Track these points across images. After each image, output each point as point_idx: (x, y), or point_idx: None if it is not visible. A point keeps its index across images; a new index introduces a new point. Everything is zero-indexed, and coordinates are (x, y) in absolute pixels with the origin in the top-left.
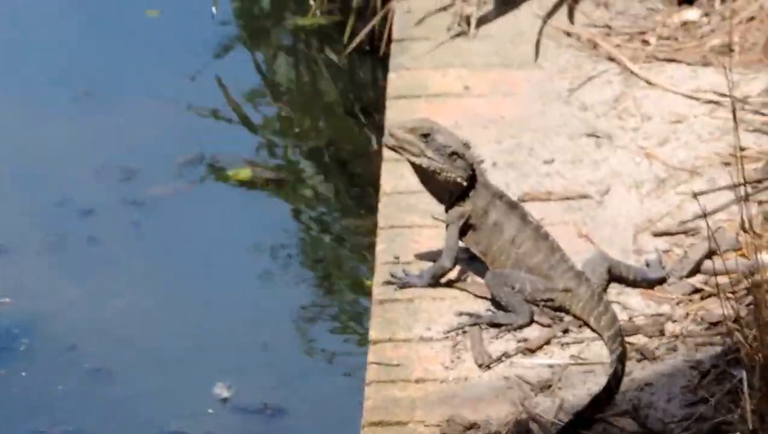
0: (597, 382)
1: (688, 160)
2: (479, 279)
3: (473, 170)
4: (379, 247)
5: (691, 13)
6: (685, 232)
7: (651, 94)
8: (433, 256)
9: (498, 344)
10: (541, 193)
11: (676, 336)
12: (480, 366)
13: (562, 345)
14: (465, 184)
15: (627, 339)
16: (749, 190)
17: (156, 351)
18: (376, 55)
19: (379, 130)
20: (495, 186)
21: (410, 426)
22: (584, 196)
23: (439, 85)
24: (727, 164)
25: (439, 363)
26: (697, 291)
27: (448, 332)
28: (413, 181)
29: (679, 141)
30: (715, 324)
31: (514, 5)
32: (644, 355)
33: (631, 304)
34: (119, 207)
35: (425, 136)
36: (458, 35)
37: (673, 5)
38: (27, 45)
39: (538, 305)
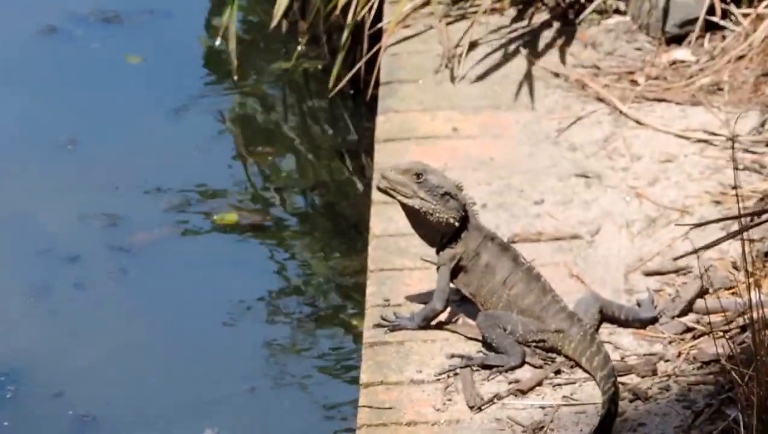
0: (589, 423)
1: (678, 199)
2: (470, 321)
3: (465, 211)
4: (369, 290)
5: (680, 53)
6: (676, 271)
7: (641, 134)
8: (423, 299)
9: (489, 386)
10: (532, 234)
11: (669, 376)
12: (471, 408)
13: (554, 386)
14: (457, 225)
15: (619, 379)
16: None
17: (143, 398)
18: (361, 98)
19: (364, 172)
20: (487, 227)
21: None
22: (575, 237)
23: (428, 128)
24: (718, 203)
25: (431, 406)
26: (689, 330)
27: (440, 374)
28: (403, 223)
29: (669, 180)
30: (707, 363)
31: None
32: (637, 395)
33: (623, 344)
34: (105, 253)
35: (418, 176)
36: (446, 77)
37: (661, 45)
38: (8, 93)
39: (529, 346)
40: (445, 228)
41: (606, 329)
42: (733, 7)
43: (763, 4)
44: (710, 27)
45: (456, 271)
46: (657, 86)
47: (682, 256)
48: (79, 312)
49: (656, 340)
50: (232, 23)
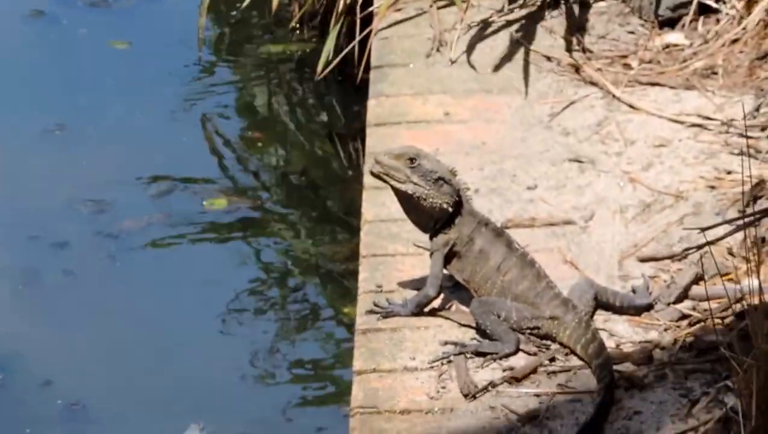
0: (585, 411)
1: (673, 184)
2: (464, 308)
3: (459, 197)
4: (362, 276)
5: (673, 36)
6: (671, 257)
7: (634, 118)
8: (416, 285)
9: (484, 373)
10: (525, 219)
11: (665, 364)
12: (466, 396)
13: (549, 373)
14: (451, 210)
15: (615, 367)
16: (735, 215)
17: (131, 386)
18: (349, 83)
19: (354, 156)
20: (480, 213)
21: None
22: (568, 222)
23: (420, 112)
24: (713, 188)
25: (425, 394)
26: (685, 317)
27: (433, 362)
28: (395, 208)
29: (663, 165)
30: (704, 350)
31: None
32: (633, 383)
33: (619, 331)
34: (93, 240)
35: (411, 161)
36: (437, 61)
37: (654, 28)
38: None
39: (524, 333)
40: (438, 213)
41: (601, 316)
42: None
43: None
44: (704, 10)
45: (449, 257)
46: (650, 70)
47: (689, 250)
48: (68, 299)
49: (652, 327)
50: None
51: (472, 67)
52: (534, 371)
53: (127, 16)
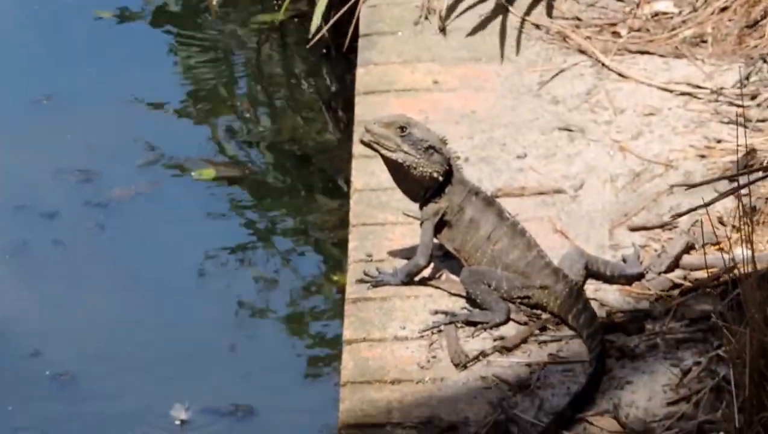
0: (576, 381)
1: (662, 153)
2: (454, 277)
3: (449, 165)
4: (351, 245)
5: (662, 4)
6: (661, 226)
7: (624, 87)
8: (406, 254)
9: (474, 343)
10: (515, 188)
11: (656, 333)
12: (457, 365)
13: (540, 343)
14: (441, 179)
15: (606, 336)
16: (726, 183)
17: (120, 356)
18: (338, 51)
19: (342, 125)
20: (471, 182)
21: (387, 429)
22: (558, 191)
23: (408, 80)
24: (703, 157)
25: (415, 363)
26: (676, 286)
27: (424, 331)
28: (384, 177)
29: (653, 134)
30: (695, 320)
31: None
32: (624, 353)
33: (609, 301)
34: (82, 209)
35: (402, 129)
36: (426, 29)
37: None
38: None
39: (514, 303)
40: (428, 182)
41: (591, 285)
42: None
43: None
44: None
45: (439, 226)
46: (639, 38)
47: (680, 214)
48: (57, 269)
49: (643, 297)
50: None
51: (461, 34)
52: (525, 340)
53: None
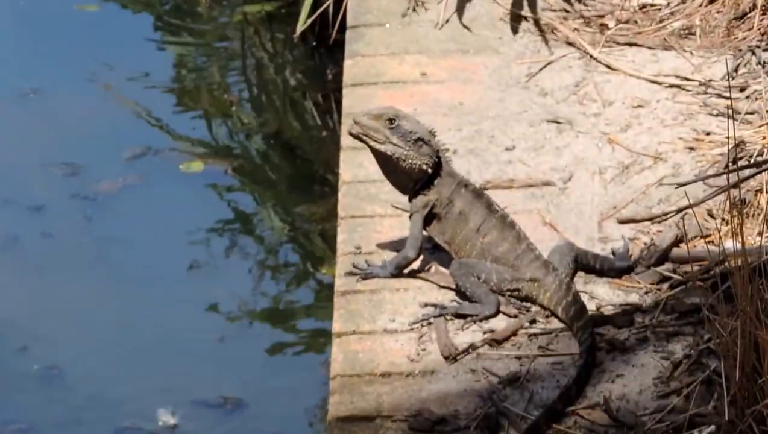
0: (566, 374)
1: (651, 146)
2: (443, 270)
3: (438, 158)
4: (340, 237)
5: None
6: (650, 219)
7: (612, 79)
8: (395, 246)
9: (464, 335)
10: (504, 180)
11: (646, 326)
12: (446, 358)
13: (529, 336)
14: (430, 171)
15: (596, 329)
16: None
17: (109, 350)
18: (324, 43)
19: (329, 117)
20: (460, 174)
21: (377, 422)
22: (547, 184)
23: (396, 72)
24: (692, 149)
25: (405, 356)
26: (665, 279)
27: (413, 324)
28: (373, 169)
29: (641, 126)
30: (685, 313)
31: None
32: (614, 346)
33: (599, 294)
34: (70, 202)
35: (391, 121)
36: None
37: None
38: None
39: (504, 295)
40: (417, 174)
41: (581, 278)
42: None
43: None
44: None
45: (429, 219)
46: (627, 30)
47: (672, 213)
48: (45, 262)
49: (632, 290)
50: None
51: (448, 26)
52: (515, 333)
53: None
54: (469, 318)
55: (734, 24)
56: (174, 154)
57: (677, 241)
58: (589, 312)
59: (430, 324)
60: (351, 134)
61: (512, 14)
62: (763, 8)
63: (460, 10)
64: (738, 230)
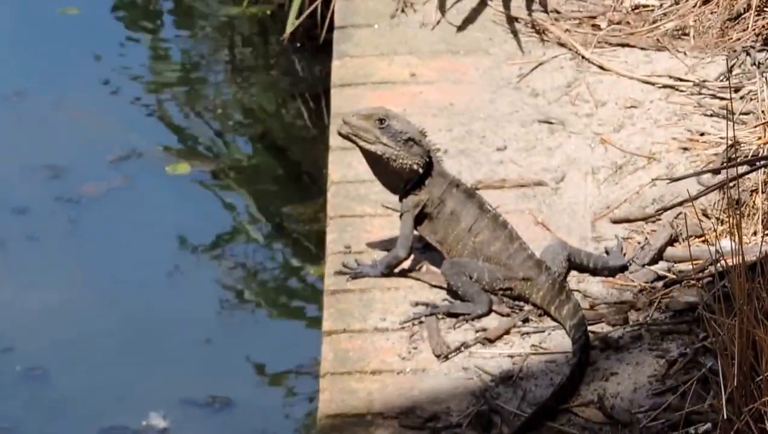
0: (559, 372)
1: (645, 146)
2: (434, 269)
3: (429, 157)
4: (330, 237)
5: None
6: (644, 219)
7: (604, 80)
8: (386, 246)
9: (456, 334)
10: (495, 181)
11: (641, 325)
12: (438, 356)
13: (522, 335)
14: (421, 171)
15: (589, 328)
16: (709, 176)
17: (94, 351)
18: (312, 44)
19: (316, 117)
20: (451, 174)
21: (368, 419)
22: (539, 184)
23: (385, 73)
24: (686, 149)
25: (396, 355)
26: (660, 278)
27: (405, 322)
28: (362, 169)
29: (635, 126)
30: (680, 312)
31: None
32: (608, 344)
33: (593, 292)
34: (54, 205)
35: (381, 121)
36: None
37: None
38: None
39: (496, 294)
40: (408, 174)
41: (574, 277)
42: None
43: None
44: None
45: (420, 219)
46: (620, 31)
47: (666, 209)
48: (30, 264)
49: (626, 289)
50: None
51: (438, 27)
52: (507, 332)
53: None
54: (461, 317)
55: (728, 24)
56: (160, 155)
57: (671, 240)
58: (583, 311)
59: (421, 322)
60: (340, 134)
61: (504, 15)
62: (758, 9)
63: (449, 10)
64: (735, 228)
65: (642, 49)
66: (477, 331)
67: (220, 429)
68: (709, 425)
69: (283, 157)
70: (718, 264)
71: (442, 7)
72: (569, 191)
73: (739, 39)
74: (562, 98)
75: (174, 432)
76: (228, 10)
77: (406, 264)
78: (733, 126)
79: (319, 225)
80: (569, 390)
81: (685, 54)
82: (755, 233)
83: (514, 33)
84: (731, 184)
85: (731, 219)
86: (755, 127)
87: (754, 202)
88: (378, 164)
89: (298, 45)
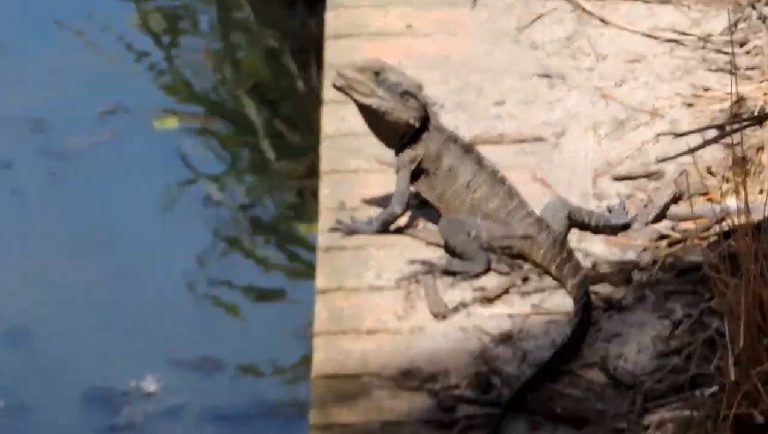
0: (560, 333)
1: (648, 101)
2: (431, 226)
3: (426, 111)
4: (323, 193)
5: None
6: (647, 176)
7: (605, 33)
8: (381, 202)
9: (454, 293)
10: (493, 135)
11: (644, 285)
12: (436, 316)
13: (521, 294)
14: (417, 125)
15: (591, 287)
16: (714, 132)
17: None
18: None
19: (307, 70)
20: (449, 129)
21: (364, 380)
22: (539, 139)
23: (380, 24)
24: (690, 105)
25: (392, 313)
26: (663, 237)
27: (401, 280)
28: (357, 123)
29: (637, 81)
30: (684, 271)
31: None
32: (611, 305)
33: (595, 251)
34: (39, 159)
35: (376, 74)
36: None
37: None
38: None
39: (495, 253)
40: (404, 128)
41: (575, 235)
42: None
43: None
44: None
45: (416, 174)
46: None
47: (664, 160)
48: (14, 219)
49: (629, 247)
50: None
51: None
52: (506, 291)
53: None
54: (458, 276)
55: None
56: (147, 109)
57: (675, 199)
58: (584, 270)
59: (418, 281)
60: (335, 87)
61: None
62: None
63: None
64: (741, 186)
65: (645, 2)
66: (475, 290)
67: (211, 390)
68: (715, 387)
69: (274, 112)
70: (723, 223)
71: None
72: (569, 146)
73: None
74: (562, 51)
75: (162, 393)
76: None
77: (401, 221)
78: (736, 81)
79: (310, 182)
80: (571, 351)
81: (689, 7)
82: (761, 191)
83: None
84: (736, 142)
85: (736, 177)
86: (761, 82)
87: (759, 159)
88: (373, 118)
89: None
